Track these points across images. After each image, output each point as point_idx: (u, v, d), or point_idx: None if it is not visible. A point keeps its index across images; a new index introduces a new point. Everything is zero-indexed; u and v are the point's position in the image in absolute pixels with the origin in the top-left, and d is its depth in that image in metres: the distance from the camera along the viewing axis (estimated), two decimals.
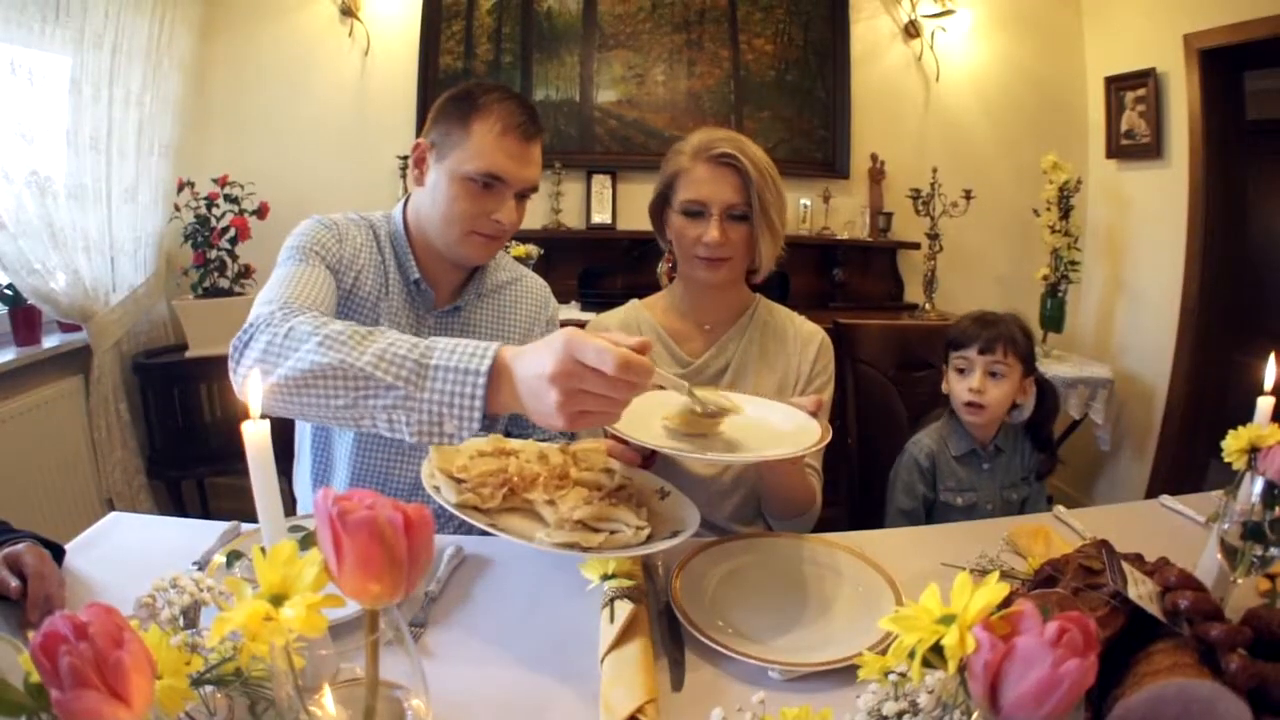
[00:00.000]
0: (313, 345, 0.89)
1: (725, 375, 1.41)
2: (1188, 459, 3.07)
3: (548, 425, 0.80)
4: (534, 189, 1.29)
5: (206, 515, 2.99)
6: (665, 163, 1.37)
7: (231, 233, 2.90)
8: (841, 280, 3.46)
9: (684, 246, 1.33)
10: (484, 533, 0.94)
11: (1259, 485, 0.82)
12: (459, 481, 1.00)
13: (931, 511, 1.61)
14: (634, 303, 1.49)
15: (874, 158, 3.47)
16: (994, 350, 1.55)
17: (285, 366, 0.89)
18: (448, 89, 1.29)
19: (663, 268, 1.52)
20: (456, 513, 0.93)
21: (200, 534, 1.12)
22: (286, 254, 1.20)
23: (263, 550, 0.51)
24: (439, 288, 1.34)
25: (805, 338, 1.45)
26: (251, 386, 0.61)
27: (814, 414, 1.07)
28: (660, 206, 1.39)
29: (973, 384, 1.55)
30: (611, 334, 0.79)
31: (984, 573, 1.00)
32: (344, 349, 0.87)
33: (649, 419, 1.02)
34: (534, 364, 0.79)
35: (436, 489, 0.97)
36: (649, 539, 0.94)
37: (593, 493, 1.01)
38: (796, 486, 1.29)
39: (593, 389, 0.76)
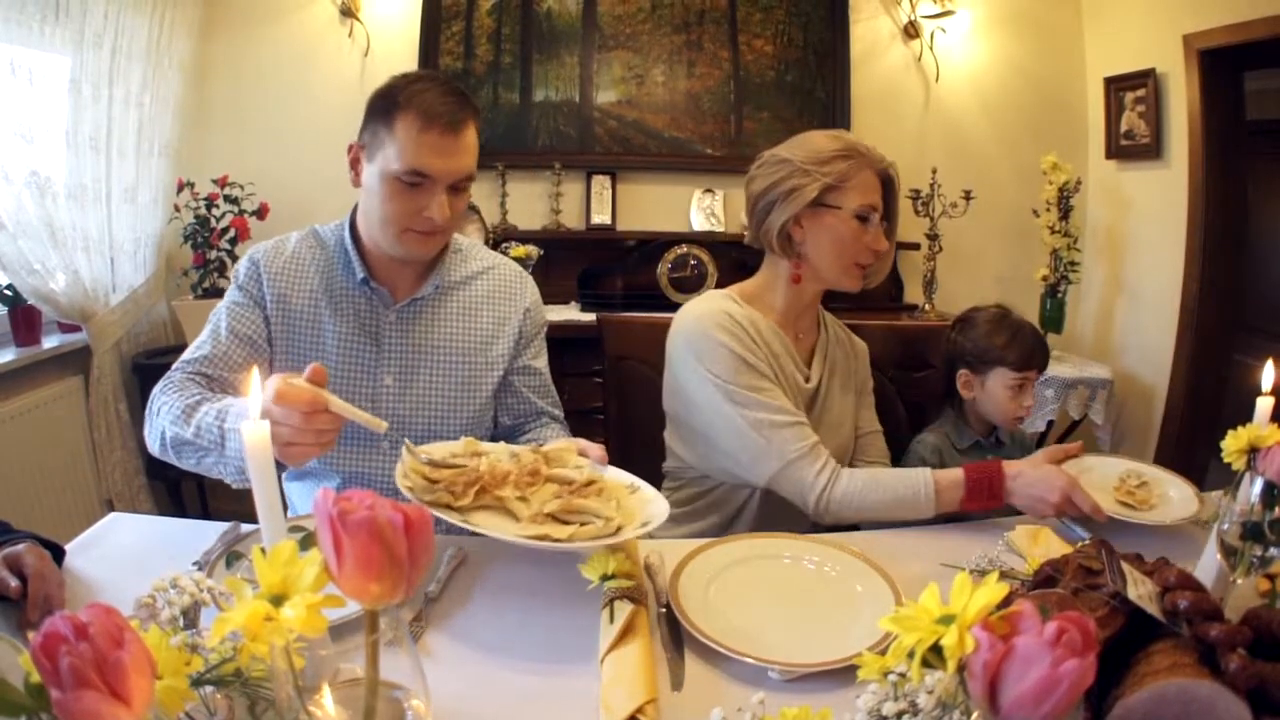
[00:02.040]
0: (166, 422, 1.13)
1: (821, 388, 1.43)
2: (1188, 459, 3.07)
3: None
4: (468, 178, 1.24)
5: (206, 516, 2.99)
6: (824, 164, 1.30)
7: (231, 233, 2.90)
8: None
9: (850, 253, 1.33)
10: (469, 533, 0.97)
11: (1258, 485, 0.82)
12: (433, 482, 1.00)
13: None
14: (731, 297, 1.40)
15: None
16: (1045, 367, 1.60)
17: (156, 437, 1.16)
18: None
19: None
20: (427, 510, 0.93)
21: (200, 534, 1.12)
22: (225, 297, 1.34)
23: (263, 551, 0.51)
24: (394, 284, 1.32)
25: (860, 349, 1.54)
26: (253, 383, 0.62)
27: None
28: (804, 207, 1.32)
29: (1028, 401, 1.58)
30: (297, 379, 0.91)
31: (983, 573, 1.00)
32: (179, 424, 1.11)
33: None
34: None
35: (410, 488, 0.98)
36: (619, 530, 0.96)
37: (563, 488, 1.02)
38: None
39: (278, 419, 0.89)
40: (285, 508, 1.41)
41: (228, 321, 1.28)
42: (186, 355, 1.26)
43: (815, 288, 1.41)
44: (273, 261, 1.32)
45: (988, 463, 1.26)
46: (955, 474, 1.25)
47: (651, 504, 1.06)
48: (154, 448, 1.18)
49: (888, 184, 1.35)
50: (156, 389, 1.20)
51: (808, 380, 1.40)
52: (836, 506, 1.25)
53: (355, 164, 1.27)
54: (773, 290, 1.42)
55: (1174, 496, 1.23)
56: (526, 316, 1.41)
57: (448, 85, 1.21)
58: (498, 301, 1.40)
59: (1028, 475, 1.22)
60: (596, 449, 1.15)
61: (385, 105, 1.19)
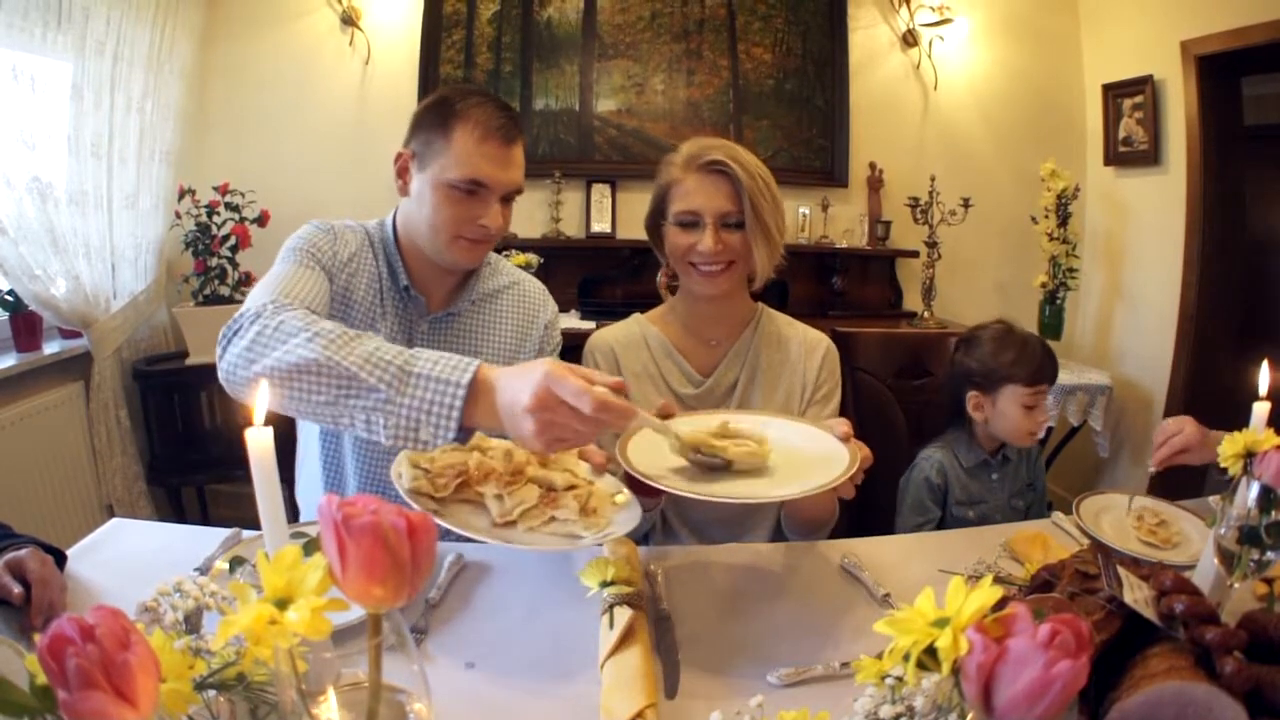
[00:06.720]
0: (302, 340, 0.91)
1: (734, 392, 1.39)
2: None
3: (526, 448, 0.91)
4: (518, 191, 1.28)
5: (206, 522, 2.99)
6: (657, 176, 1.36)
7: (232, 240, 2.91)
8: (840, 288, 3.47)
9: (680, 258, 1.32)
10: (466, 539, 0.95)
11: (1255, 490, 0.83)
12: (425, 471, 1.00)
13: (942, 528, 1.59)
14: (637, 317, 1.47)
15: (872, 166, 3.48)
16: (1055, 379, 1.58)
17: (272, 357, 0.91)
18: None
19: (661, 279, 1.51)
20: (406, 498, 0.92)
21: (201, 540, 1.12)
22: (284, 254, 1.23)
23: (266, 555, 0.52)
24: (430, 294, 1.34)
25: (810, 346, 1.42)
26: (259, 395, 0.62)
27: (846, 438, 1.05)
28: (656, 221, 1.37)
29: (1042, 416, 1.55)
30: (592, 373, 0.84)
31: (980, 578, 1.00)
32: (333, 347, 0.90)
33: (662, 448, 1.01)
34: (514, 391, 0.83)
35: (399, 475, 0.98)
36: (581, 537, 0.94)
37: (544, 490, 1.01)
38: (822, 508, 1.25)
39: (568, 422, 0.81)
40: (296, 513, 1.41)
41: (305, 280, 1.16)
42: (265, 298, 1.03)
43: (685, 295, 1.41)
44: (344, 247, 1.28)
45: None
46: None
47: (625, 512, 1.02)
48: (245, 371, 0.94)
49: (736, 183, 1.26)
50: (250, 312, 0.98)
51: (699, 386, 1.39)
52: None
53: (403, 172, 1.28)
54: (673, 304, 1.46)
55: (1193, 535, 1.25)
56: (546, 332, 1.44)
57: (500, 101, 1.26)
58: (521, 317, 1.43)
59: None
60: (597, 455, 1.10)
61: (441, 116, 1.22)
